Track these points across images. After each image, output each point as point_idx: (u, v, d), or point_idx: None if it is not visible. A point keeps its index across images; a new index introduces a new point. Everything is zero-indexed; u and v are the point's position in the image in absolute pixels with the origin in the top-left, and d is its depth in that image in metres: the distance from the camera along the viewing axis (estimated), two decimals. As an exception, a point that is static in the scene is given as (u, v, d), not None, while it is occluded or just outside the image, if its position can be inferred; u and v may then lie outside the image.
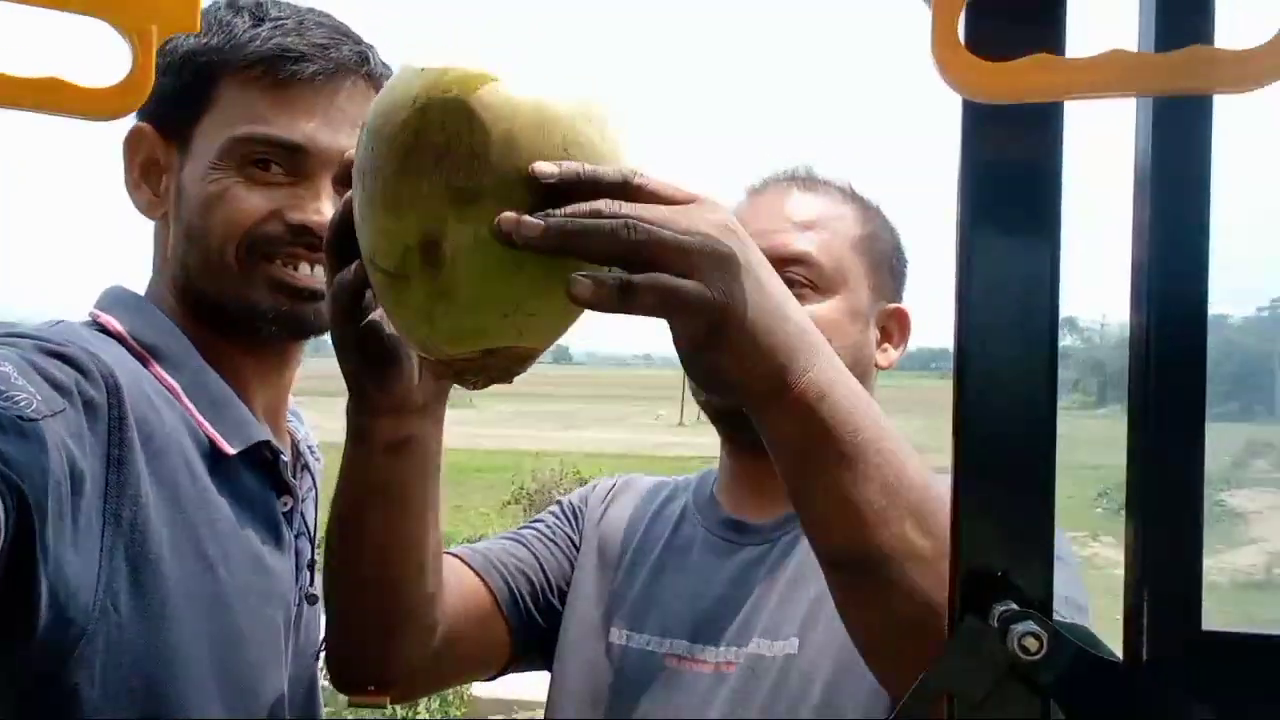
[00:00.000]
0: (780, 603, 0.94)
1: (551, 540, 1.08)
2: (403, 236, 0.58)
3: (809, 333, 0.63)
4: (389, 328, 0.70)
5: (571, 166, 0.57)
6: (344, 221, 0.66)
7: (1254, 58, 0.35)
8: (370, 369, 0.73)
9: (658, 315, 0.59)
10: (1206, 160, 0.41)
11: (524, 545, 1.06)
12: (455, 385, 0.73)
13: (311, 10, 0.86)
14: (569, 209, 0.56)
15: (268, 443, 0.84)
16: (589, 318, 0.64)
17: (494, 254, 0.56)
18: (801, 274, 0.96)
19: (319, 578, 0.89)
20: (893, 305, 1.04)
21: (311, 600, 0.90)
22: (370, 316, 0.70)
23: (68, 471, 0.63)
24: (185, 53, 0.82)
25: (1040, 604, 0.39)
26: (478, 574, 0.99)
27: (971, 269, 0.44)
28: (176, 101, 0.82)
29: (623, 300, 0.56)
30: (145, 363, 0.80)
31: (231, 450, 0.81)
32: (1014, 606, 0.39)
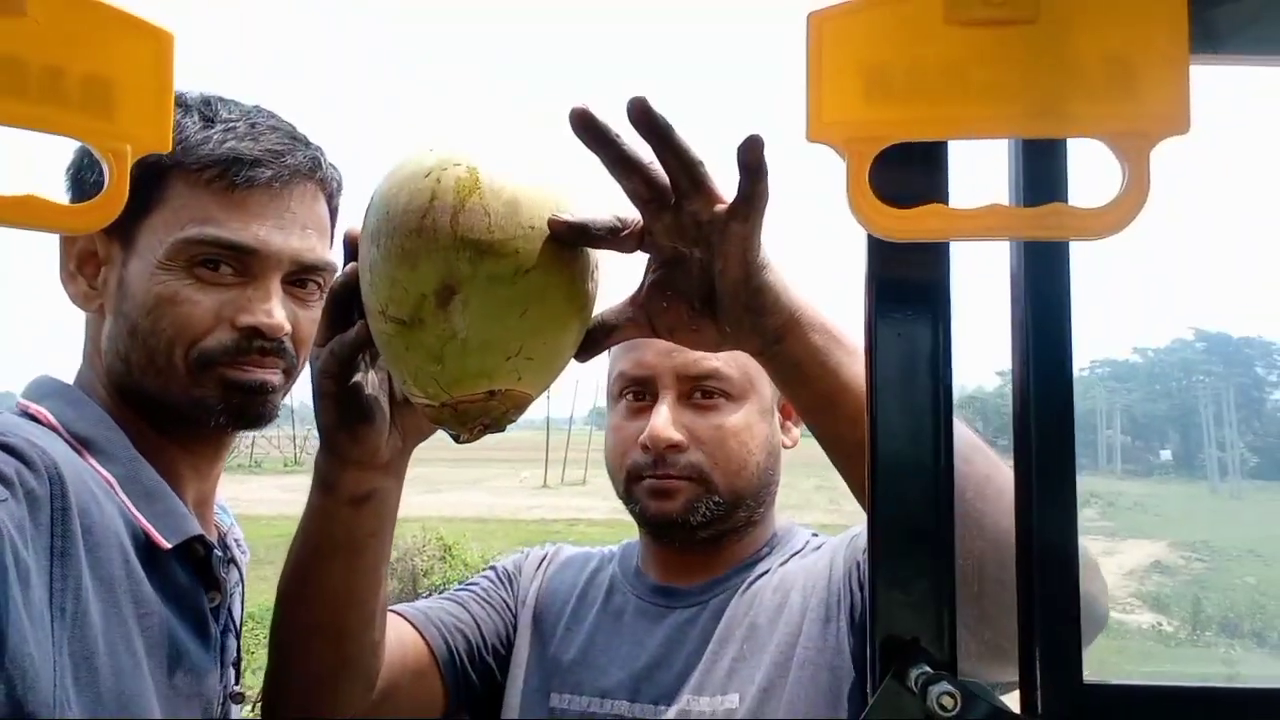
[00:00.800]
0: (715, 660, 0.99)
1: (488, 603, 1.11)
2: (418, 285, 0.65)
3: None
4: (370, 387, 0.77)
5: (578, 216, 0.66)
6: (348, 285, 0.73)
7: (1100, 215, 0.43)
8: (347, 422, 0.77)
9: (742, 220, 0.64)
10: (1066, 281, 0.50)
11: (461, 606, 1.09)
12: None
13: (259, 110, 0.87)
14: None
15: (201, 537, 0.83)
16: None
17: (501, 300, 0.64)
18: (715, 386, 1.03)
19: (243, 677, 0.88)
20: None
21: (237, 699, 0.88)
22: (355, 376, 0.76)
23: (13, 562, 0.62)
24: None
25: (950, 665, 0.46)
26: (418, 630, 1.02)
27: (877, 367, 0.51)
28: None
29: (750, 199, 0.63)
30: (80, 454, 0.78)
31: (166, 544, 0.79)
32: (928, 669, 0.45)
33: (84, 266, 0.86)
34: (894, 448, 0.50)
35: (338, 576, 0.84)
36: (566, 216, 0.66)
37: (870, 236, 0.51)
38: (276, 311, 0.84)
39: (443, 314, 0.64)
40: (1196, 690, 0.46)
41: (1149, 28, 0.45)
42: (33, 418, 0.80)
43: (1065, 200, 0.46)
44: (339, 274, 0.76)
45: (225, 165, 0.82)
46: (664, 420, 1.02)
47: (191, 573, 0.83)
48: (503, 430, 0.70)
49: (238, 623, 0.90)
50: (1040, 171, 0.48)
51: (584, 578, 1.13)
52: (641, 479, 1.04)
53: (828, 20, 0.46)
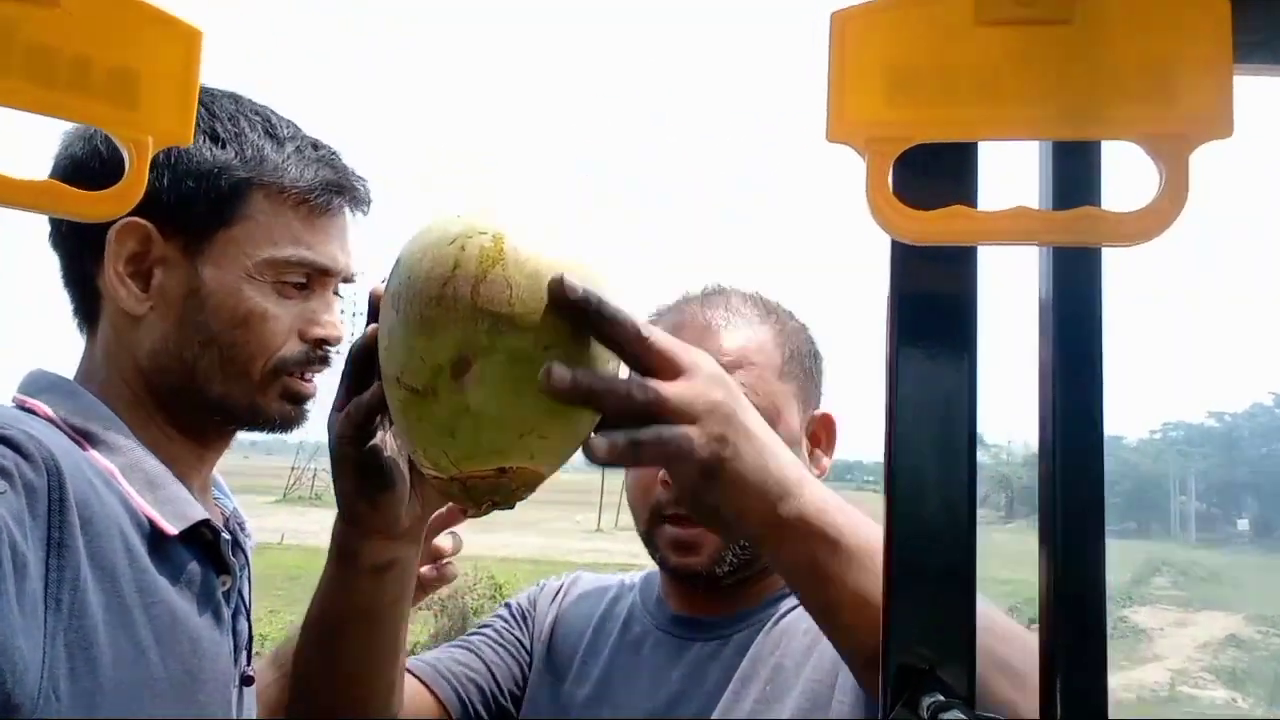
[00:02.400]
0: (736, 700, 0.94)
1: (501, 645, 1.08)
2: (435, 355, 0.63)
3: (794, 465, 0.67)
4: (389, 450, 0.76)
5: (593, 291, 0.62)
6: (367, 348, 0.72)
7: (1135, 220, 0.41)
8: (367, 491, 0.76)
9: (660, 465, 0.63)
10: (1098, 299, 0.47)
11: (473, 653, 1.06)
12: None
13: (318, 139, 0.93)
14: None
15: (208, 521, 0.83)
16: None
17: (518, 376, 0.62)
18: None
19: (255, 661, 0.88)
20: (819, 412, 1.04)
21: (247, 682, 0.88)
22: (373, 440, 0.74)
23: (9, 555, 0.62)
24: (217, 164, 0.85)
25: (965, 696, 0.43)
26: (427, 686, 0.99)
27: (898, 387, 0.49)
28: (198, 206, 0.85)
29: (633, 455, 0.61)
30: (80, 445, 0.79)
31: (172, 530, 0.80)
32: (941, 698, 0.42)
33: (136, 270, 0.86)
34: (913, 468, 0.48)
35: (358, 648, 0.82)
36: (585, 291, 0.62)
37: (894, 246, 0.49)
38: (336, 319, 0.91)
39: (457, 386, 0.62)
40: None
41: (1190, 30, 0.42)
42: (30, 412, 0.81)
43: (1098, 206, 0.44)
44: (360, 336, 0.75)
45: (313, 191, 0.89)
46: None
47: (200, 557, 0.83)
48: (512, 507, 0.68)
49: (248, 605, 0.90)
50: (1072, 176, 0.45)
51: (601, 608, 1.10)
52: (663, 521, 0.98)
53: (851, 19, 0.45)
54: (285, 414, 0.89)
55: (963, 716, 0.41)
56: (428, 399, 0.63)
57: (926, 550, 0.46)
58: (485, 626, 1.12)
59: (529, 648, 1.09)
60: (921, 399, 0.49)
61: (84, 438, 0.81)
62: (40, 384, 0.85)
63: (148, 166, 0.48)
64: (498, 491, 0.65)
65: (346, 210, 0.93)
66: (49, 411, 0.81)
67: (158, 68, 0.49)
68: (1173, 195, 0.41)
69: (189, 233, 0.85)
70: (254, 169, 0.87)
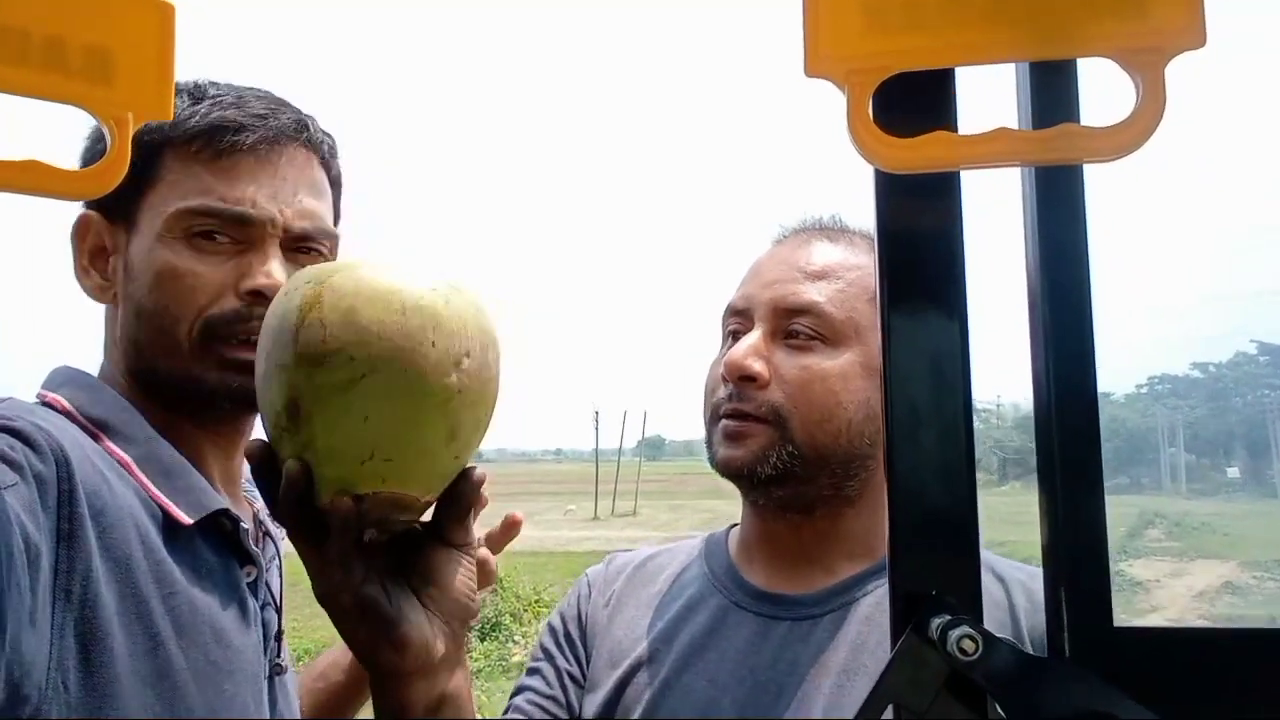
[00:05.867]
0: (837, 689, 0.87)
1: (549, 697, 1.00)
2: (275, 404, 0.66)
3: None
4: (387, 594, 0.69)
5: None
6: (264, 446, 0.69)
7: (1113, 134, 0.41)
8: (380, 635, 0.68)
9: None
10: (1083, 220, 0.48)
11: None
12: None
13: (251, 87, 0.88)
14: None
15: (226, 510, 0.83)
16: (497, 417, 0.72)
17: (344, 408, 0.64)
18: (808, 325, 0.94)
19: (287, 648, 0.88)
20: None
21: (279, 671, 0.87)
22: (364, 588, 0.67)
23: (22, 547, 0.62)
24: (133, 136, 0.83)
25: (971, 614, 0.44)
26: None
27: (891, 319, 0.49)
28: (121, 182, 0.83)
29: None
30: (95, 438, 0.79)
31: (187, 520, 0.79)
32: (949, 617, 0.43)
33: (96, 260, 0.88)
34: (909, 399, 0.48)
35: None
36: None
37: (878, 182, 0.49)
38: (276, 272, 0.83)
39: (295, 428, 0.66)
40: (1229, 632, 0.43)
41: (1159, -56, 0.43)
42: (50, 406, 0.82)
43: (1077, 124, 0.44)
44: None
45: (211, 133, 0.83)
46: (744, 349, 0.94)
47: (221, 548, 0.83)
48: (397, 531, 0.70)
49: (277, 597, 0.90)
50: (1050, 97, 0.46)
51: (658, 585, 1.03)
52: (720, 419, 0.96)
53: (823, -47, 0.45)
54: (229, 387, 0.83)
55: (971, 631, 0.42)
56: (280, 445, 0.67)
57: (927, 471, 0.47)
58: (527, 686, 1.02)
59: (583, 668, 1.01)
60: (914, 327, 0.49)
61: (100, 429, 0.81)
62: (61, 379, 0.86)
63: (129, 143, 0.48)
64: (364, 519, 0.67)
65: (284, 152, 0.85)
66: (66, 404, 0.82)
67: (132, 45, 0.49)
68: (1150, 107, 0.41)
69: (122, 211, 0.85)
70: (162, 131, 0.83)
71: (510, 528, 1.06)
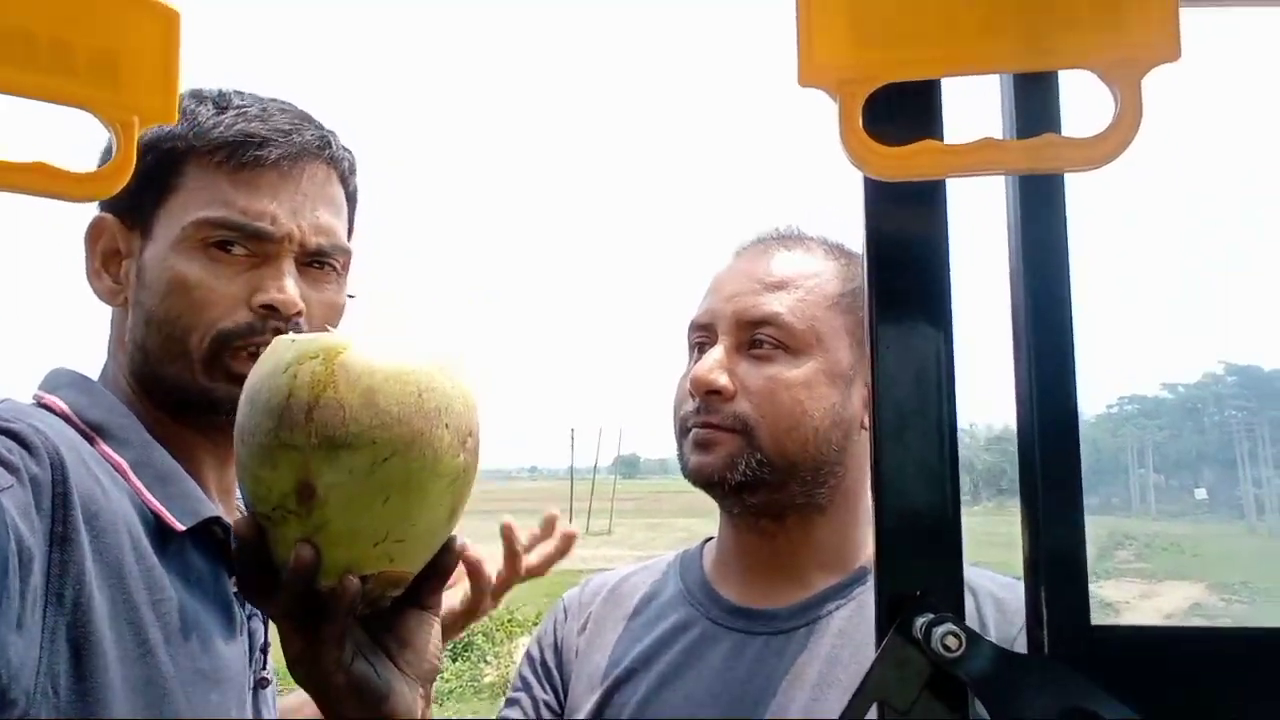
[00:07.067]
0: (812, 704, 0.89)
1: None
2: (280, 484, 0.64)
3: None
4: (373, 668, 0.69)
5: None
6: (257, 526, 0.67)
7: (1094, 144, 0.43)
8: (371, 710, 0.68)
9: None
10: (1063, 229, 0.49)
11: None
12: None
13: (274, 99, 0.88)
14: None
15: (218, 519, 0.82)
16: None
17: (363, 491, 0.64)
18: (771, 335, 0.95)
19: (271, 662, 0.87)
20: None
21: (263, 684, 0.87)
22: (355, 664, 0.67)
23: (15, 549, 0.62)
24: (148, 140, 0.81)
25: (955, 614, 0.45)
26: None
27: (879, 322, 0.50)
28: (139, 188, 0.82)
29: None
30: (91, 440, 0.79)
31: (180, 527, 0.79)
32: (933, 616, 0.44)
33: (108, 263, 0.87)
34: (896, 402, 0.50)
35: None
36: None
37: (867, 190, 0.51)
38: (289, 287, 0.83)
39: (305, 510, 0.64)
40: (1205, 632, 0.45)
41: (1136, -35, 0.45)
42: (47, 408, 0.81)
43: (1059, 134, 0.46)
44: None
45: (234, 145, 0.83)
46: (709, 363, 0.95)
47: (211, 556, 0.82)
48: (385, 606, 0.70)
49: None
50: (1033, 108, 0.47)
51: (634, 605, 1.04)
52: (689, 431, 0.97)
53: (816, -34, 0.47)
54: (235, 399, 0.80)
55: (955, 629, 0.43)
56: (280, 525, 0.65)
57: (912, 471, 0.48)
58: (512, 704, 1.04)
59: (562, 696, 1.02)
60: (900, 329, 0.50)
61: (96, 432, 0.80)
62: (59, 380, 0.85)
63: (134, 147, 0.49)
64: (361, 598, 0.66)
65: (306, 167, 0.85)
66: (64, 407, 0.81)
67: (137, 49, 0.50)
68: (1128, 119, 0.43)
69: (139, 216, 0.85)
70: (185, 139, 0.83)
71: (558, 536, 1.07)
